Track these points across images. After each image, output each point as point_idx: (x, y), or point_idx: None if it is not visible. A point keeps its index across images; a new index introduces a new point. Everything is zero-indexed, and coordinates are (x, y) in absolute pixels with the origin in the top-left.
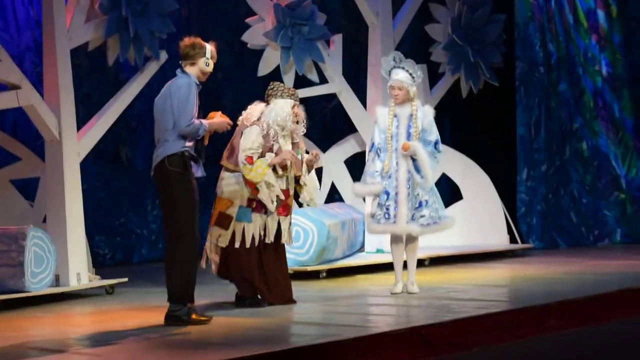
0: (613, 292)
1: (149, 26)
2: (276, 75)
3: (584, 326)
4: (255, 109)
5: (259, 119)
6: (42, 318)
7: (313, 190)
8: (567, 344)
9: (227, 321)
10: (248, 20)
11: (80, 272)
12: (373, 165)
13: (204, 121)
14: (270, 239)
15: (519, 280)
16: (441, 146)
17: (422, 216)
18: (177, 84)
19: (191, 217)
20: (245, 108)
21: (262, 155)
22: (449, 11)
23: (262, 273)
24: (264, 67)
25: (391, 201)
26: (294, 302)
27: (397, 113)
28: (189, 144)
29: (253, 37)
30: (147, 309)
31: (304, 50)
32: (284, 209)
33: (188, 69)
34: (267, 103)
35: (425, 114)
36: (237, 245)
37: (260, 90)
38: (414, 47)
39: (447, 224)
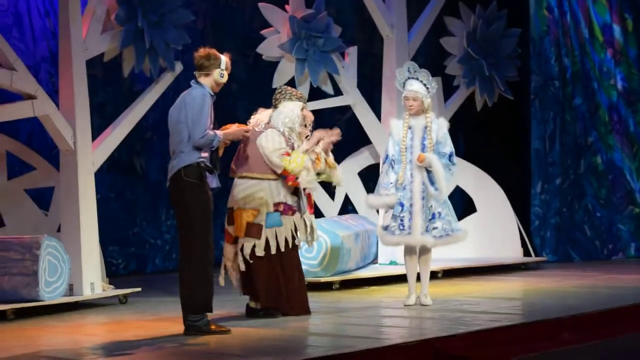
0: (627, 306)
1: (164, 37)
2: (291, 86)
3: (598, 340)
4: (263, 114)
5: (268, 123)
6: (56, 327)
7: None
8: (580, 358)
9: (241, 332)
10: (263, 32)
11: (94, 281)
12: (387, 177)
13: (219, 132)
14: (303, 238)
15: (533, 293)
16: (455, 159)
17: (434, 228)
18: (192, 95)
19: (207, 227)
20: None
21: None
22: (464, 24)
23: (284, 282)
24: (279, 79)
25: (406, 212)
26: (309, 313)
27: (412, 125)
28: (205, 154)
29: (268, 48)
30: (161, 319)
31: (318, 62)
32: (310, 207)
33: (202, 79)
34: (275, 107)
35: (440, 126)
36: (273, 251)
37: None
38: (428, 60)
39: (460, 237)
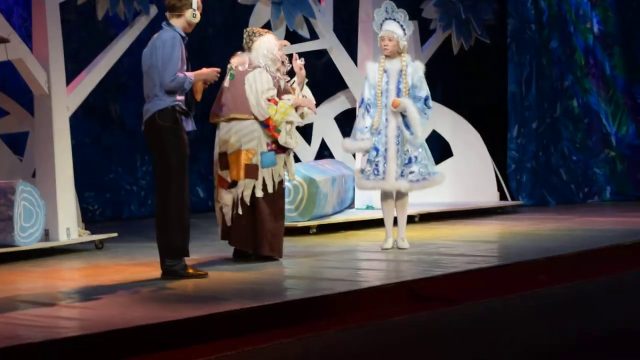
0: (603, 248)
1: None
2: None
3: (574, 281)
4: (243, 56)
5: (250, 65)
6: (32, 272)
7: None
8: (556, 299)
9: (217, 275)
10: None
11: (69, 227)
12: (362, 121)
13: (189, 73)
14: (292, 176)
15: (509, 236)
16: (431, 102)
17: (411, 172)
18: (162, 38)
19: (183, 171)
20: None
21: (279, 97)
22: None
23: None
24: (255, 23)
25: (380, 157)
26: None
27: (387, 68)
28: (180, 98)
29: None
30: (137, 264)
31: (294, 6)
32: None
33: (174, 21)
34: (249, 49)
35: (416, 70)
36: (270, 190)
37: None
38: (405, 3)
39: (437, 180)
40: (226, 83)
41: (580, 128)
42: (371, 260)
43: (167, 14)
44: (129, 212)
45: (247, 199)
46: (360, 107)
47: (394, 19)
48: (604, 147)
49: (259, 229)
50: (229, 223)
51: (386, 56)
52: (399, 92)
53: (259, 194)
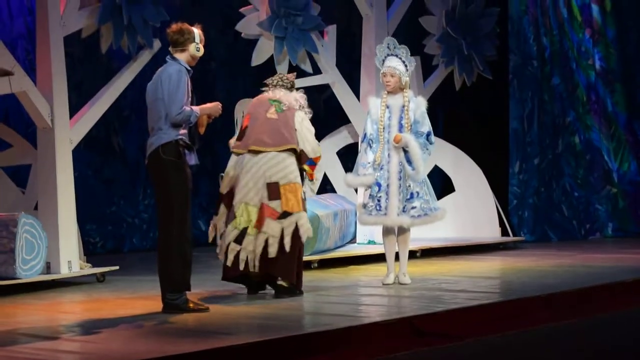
0: (604, 285)
1: (142, 14)
2: (270, 65)
3: (575, 318)
4: (284, 93)
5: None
6: (33, 305)
7: None
8: (558, 336)
9: (218, 309)
10: (242, 9)
11: (71, 259)
12: (365, 157)
13: (195, 107)
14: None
15: (511, 272)
16: (433, 138)
17: (413, 208)
18: (167, 72)
19: (185, 205)
20: (236, 97)
21: None
22: (442, 3)
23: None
24: (258, 57)
25: (382, 193)
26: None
27: (390, 104)
28: (183, 131)
29: (247, 26)
30: (139, 297)
31: (297, 41)
32: None
33: (178, 55)
34: (288, 88)
35: (418, 105)
36: (308, 226)
37: (253, 79)
38: (407, 39)
39: (439, 216)
40: (270, 115)
41: (582, 164)
42: (372, 296)
43: (171, 49)
44: (131, 245)
45: (304, 230)
46: (362, 142)
47: (396, 55)
48: (605, 184)
49: (299, 262)
50: (272, 255)
51: (388, 92)
52: (401, 128)
53: (308, 225)
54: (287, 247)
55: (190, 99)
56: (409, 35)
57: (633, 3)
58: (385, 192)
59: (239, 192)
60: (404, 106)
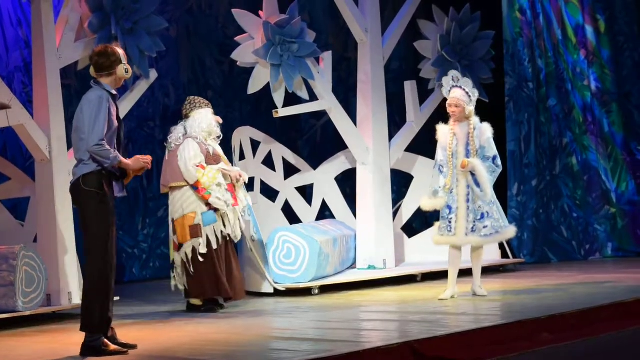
0: (605, 306)
1: (138, 45)
2: (266, 93)
3: (576, 339)
4: (177, 130)
5: (185, 134)
6: (34, 338)
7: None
8: (559, 358)
9: (212, 337)
10: (237, 38)
11: (71, 291)
12: (437, 181)
13: (121, 159)
14: (234, 231)
15: (511, 294)
16: (499, 161)
17: (484, 227)
18: (88, 99)
19: (104, 240)
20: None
21: (207, 162)
22: (437, 28)
23: (227, 271)
24: (254, 85)
25: (453, 215)
26: (245, 296)
27: (456, 132)
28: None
29: (243, 55)
30: (140, 327)
31: (293, 68)
32: (235, 199)
33: (104, 79)
34: (187, 116)
35: (483, 132)
36: (214, 246)
37: (250, 108)
38: (403, 63)
39: (509, 233)
40: (166, 157)
41: (580, 185)
42: (374, 321)
43: (94, 74)
44: (131, 275)
45: (190, 255)
46: (434, 167)
47: (460, 87)
48: (604, 204)
49: (236, 277)
50: (179, 284)
51: (455, 121)
52: (467, 154)
53: (203, 250)
54: (191, 272)
55: (115, 123)
56: (405, 60)
57: (627, 23)
58: (455, 214)
59: None
60: (469, 134)
